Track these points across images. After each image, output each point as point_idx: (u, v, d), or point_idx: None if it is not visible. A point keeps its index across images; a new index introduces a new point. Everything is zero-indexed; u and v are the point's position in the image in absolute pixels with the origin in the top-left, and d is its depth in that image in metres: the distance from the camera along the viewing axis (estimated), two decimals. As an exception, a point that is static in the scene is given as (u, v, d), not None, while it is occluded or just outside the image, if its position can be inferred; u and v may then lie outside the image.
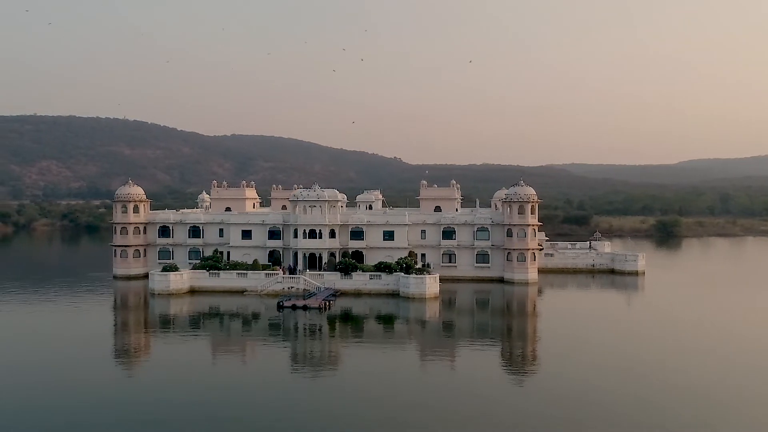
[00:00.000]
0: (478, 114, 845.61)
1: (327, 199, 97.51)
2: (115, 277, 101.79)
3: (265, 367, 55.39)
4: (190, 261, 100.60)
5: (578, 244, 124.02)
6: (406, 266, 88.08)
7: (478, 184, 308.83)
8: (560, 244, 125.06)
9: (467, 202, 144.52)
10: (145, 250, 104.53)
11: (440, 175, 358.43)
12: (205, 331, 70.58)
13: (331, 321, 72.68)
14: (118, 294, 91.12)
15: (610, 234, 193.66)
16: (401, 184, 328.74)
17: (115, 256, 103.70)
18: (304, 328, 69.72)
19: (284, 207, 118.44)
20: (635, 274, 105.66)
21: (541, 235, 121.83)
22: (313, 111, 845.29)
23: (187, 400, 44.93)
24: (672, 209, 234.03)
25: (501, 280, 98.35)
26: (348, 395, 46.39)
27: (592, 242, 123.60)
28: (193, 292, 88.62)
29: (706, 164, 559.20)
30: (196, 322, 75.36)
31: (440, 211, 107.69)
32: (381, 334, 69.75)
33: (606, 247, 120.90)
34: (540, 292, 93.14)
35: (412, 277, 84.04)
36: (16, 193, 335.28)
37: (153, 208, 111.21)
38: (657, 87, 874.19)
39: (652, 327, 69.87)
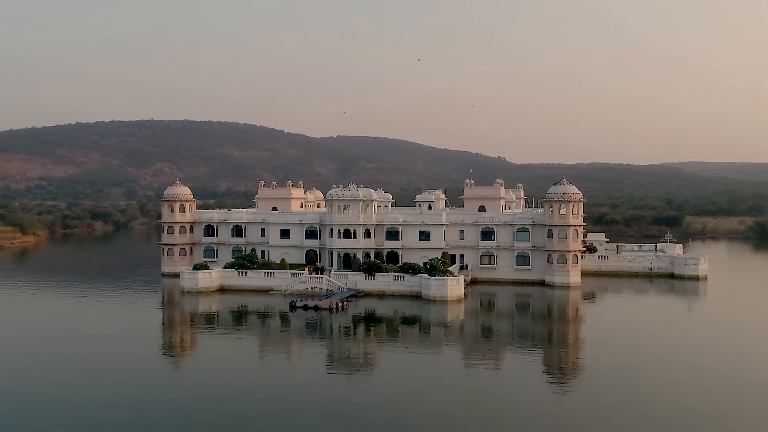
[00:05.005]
0: (587, 111, 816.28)
1: (362, 198, 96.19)
2: (162, 275, 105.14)
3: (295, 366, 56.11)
4: (233, 259, 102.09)
5: (646, 246, 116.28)
6: (431, 267, 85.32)
7: (582, 183, 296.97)
8: (627, 245, 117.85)
9: (534, 202, 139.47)
10: (191, 248, 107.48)
11: (544, 175, 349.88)
12: (221, 329, 71.92)
13: (356, 322, 71.74)
14: (164, 291, 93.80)
15: (703, 236, 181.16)
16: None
17: (163, 254, 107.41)
18: (308, 326, 69.11)
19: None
20: (695, 278, 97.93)
21: (600, 236, 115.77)
22: (417, 111, 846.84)
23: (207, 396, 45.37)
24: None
25: (542, 283, 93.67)
26: (382, 399, 45.42)
27: (660, 244, 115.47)
28: (223, 290, 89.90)
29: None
30: (211, 319, 76.96)
31: (485, 211, 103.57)
32: (393, 337, 68.10)
33: (676, 249, 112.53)
34: (588, 296, 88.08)
35: (434, 279, 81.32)
36: (130, 194, 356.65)
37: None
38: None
39: (705, 335, 65.92)
